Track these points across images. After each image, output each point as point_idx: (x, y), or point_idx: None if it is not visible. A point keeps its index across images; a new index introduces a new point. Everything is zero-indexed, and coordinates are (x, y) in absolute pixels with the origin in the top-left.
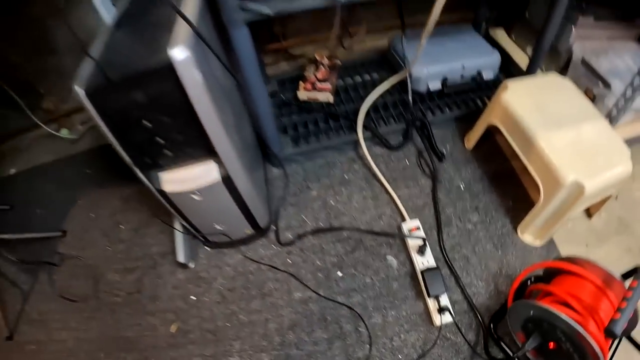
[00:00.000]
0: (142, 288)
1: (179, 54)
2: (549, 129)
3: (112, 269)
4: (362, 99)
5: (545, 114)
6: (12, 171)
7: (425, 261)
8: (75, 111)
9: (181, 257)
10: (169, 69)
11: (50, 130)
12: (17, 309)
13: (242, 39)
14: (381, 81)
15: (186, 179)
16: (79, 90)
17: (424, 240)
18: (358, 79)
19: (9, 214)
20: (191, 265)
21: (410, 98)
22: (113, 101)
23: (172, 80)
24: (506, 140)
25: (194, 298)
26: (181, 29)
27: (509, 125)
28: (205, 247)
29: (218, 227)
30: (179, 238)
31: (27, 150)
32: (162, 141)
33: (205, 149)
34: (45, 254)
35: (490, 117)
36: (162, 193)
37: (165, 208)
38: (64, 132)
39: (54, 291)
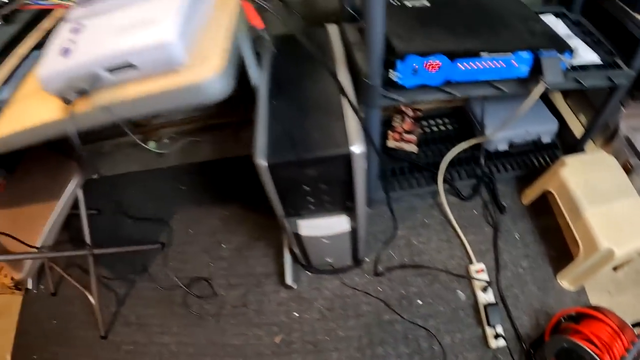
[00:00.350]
0: (247, 302)
1: (357, 149)
2: (593, 203)
3: (215, 284)
4: (440, 151)
5: (592, 188)
6: (95, 175)
7: (486, 297)
8: (163, 126)
9: (289, 280)
10: (345, 158)
11: (137, 140)
12: (112, 311)
13: (374, 116)
14: (457, 134)
15: (320, 227)
16: (262, 164)
17: (487, 282)
18: (435, 129)
19: (97, 218)
20: (294, 286)
21: (482, 159)
22: (288, 173)
23: (345, 165)
24: (557, 202)
25: (297, 314)
26: (352, 124)
27: (562, 194)
28: (307, 272)
29: (328, 259)
30: (288, 264)
31: (110, 156)
32: (311, 199)
33: (343, 207)
34: (139, 262)
35: (548, 185)
36: (297, 235)
37: (270, 236)
38: (152, 145)
39: (156, 297)
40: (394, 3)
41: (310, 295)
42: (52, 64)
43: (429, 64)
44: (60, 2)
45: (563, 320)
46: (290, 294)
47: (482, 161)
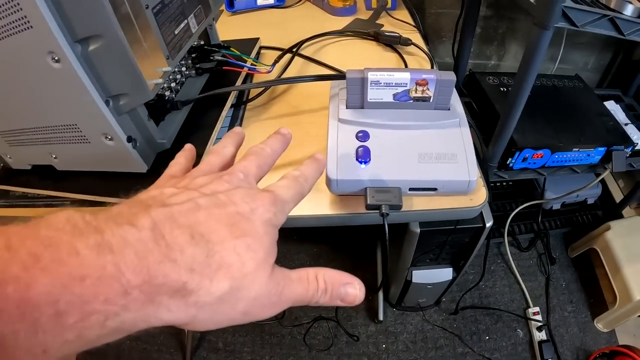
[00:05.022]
0: (338, 334)
1: (489, 223)
2: (631, 262)
3: (306, 315)
4: (504, 207)
5: (630, 249)
6: None
7: (541, 335)
8: None
9: (381, 316)
10: (480, 230)
11: None
12: (197, 336)
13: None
14: (518, 193)
15: (430, 276)
16: (415, 231)
17: (541, 325)
18: (499, 185)
19: None
20: (381, 319)
21: (539, 219)
22: (431, 238)
23: (476, 234)
24: (599, 258)
25: (384, 346)
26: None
27: (606, 252)
28: (394, 308)
29: (420, 300)
30: (381, 302)
31: None
32: (432, 255)
33: (450, 261)
34: None
35: (593, 243)
36: (407, 282)
37: (358, 275)
38: None
39: (245, 324)
40: (502, 90)
41: (396, 329)
42: (351, 170)
43: (536, 154)
44: (264, 66)
45: (598, 357)
46: (378, 328)
47: (539, 220)
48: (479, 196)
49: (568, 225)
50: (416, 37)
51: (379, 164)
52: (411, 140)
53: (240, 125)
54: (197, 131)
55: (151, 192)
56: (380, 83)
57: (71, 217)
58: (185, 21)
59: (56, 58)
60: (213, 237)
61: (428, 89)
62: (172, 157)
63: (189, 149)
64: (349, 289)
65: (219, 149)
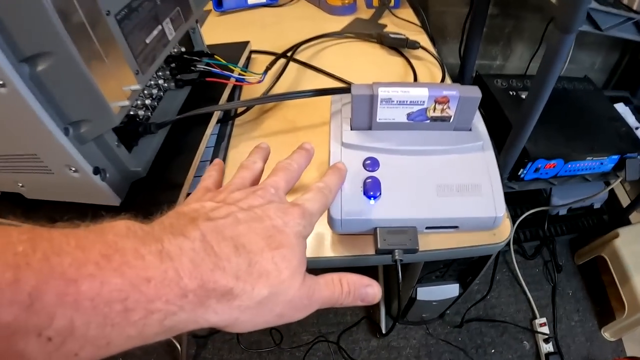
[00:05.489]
0: (337, 350)
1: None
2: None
3: (306, 331)
4: (509, 214)
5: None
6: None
7: (548, 347)
8: None
9: (384, 329)
10: (495, 248)
11: None
12: (192, 353)
13: None
14: (523, 199)
15: (436, 293)
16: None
17: (547, 336)
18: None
19: None
20: (384, 332)
21: (546, 225)
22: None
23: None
24: (607, 265)
25: None
26: None
27: (614, 260)
28: (397, 323)
29: (424, 315)
30: (383, 316)
31: None
32: (439, 273)
33: (456, 277)
34: None
35: (601, 250)
36: (412, 299)
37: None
38: None
39: (242, 341)
40: (511, 94)
41: (399, 344)
42: (359, 207)
43: (549, 165)
44: (254, 75)
45: None
46: (380, 343)
47: (545, 227)
48: (503, 230)
49: (574, 231)
50: (423, 39)
51: (391, 198)
52: (428, 168)
53: (227, 144)
54: (179, 154)
55: (192, 204)
56: (393, 101)
57: (132, 226)
58: (160, 27)
59: (0, 82)
60: (253, 248)
61: (449, 108)
62: (149, 187)
63: (217, 162)
64: (368, 289)
65: (249, 165)
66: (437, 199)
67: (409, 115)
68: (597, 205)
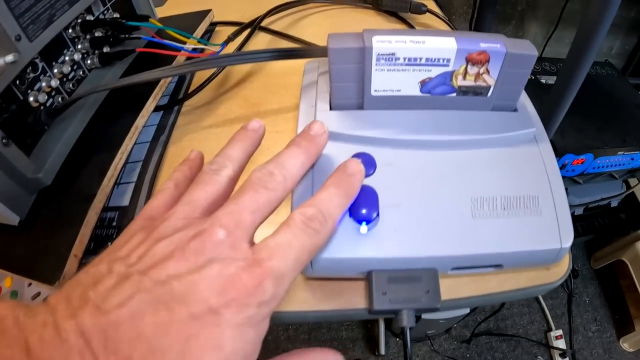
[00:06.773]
0: None
1: None
2: None
3: (296, 348)
4: None
5: None
6: None
7: None
8: None
9: (382, 350)
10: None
11: None
12: None
13: None
14: None
15: (441, 312)
16: None
17: (563, 350)
18: None
19: None
20: (382, 353)
21: None
22: None
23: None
24: (628, 270)
25: None
26: None
27: (636, 264)
28: (397, 338)
29: (429, 332)
30: (382, 334)
31: None
32: None
33: None
34: None
35: (621, 254)
36: (417, 317)
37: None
38: None
39: None
40: (530, 78)
41: None
42: (343, 237)
43: (577, 160)
44: (207, 47)
45: None
46: None
47: None
48: (562, 265)
49: (591, 232)
50: (429, 3)
51: (395, 222)
52: (455, 171)
53: (168, 138)
54: (98, 152)
55: (90, 270)
56: (398, 59)
57: (14, 310)
58: None
59: None
60: None
61: (487, 72)
62: (58, 199)
63: (194, 157)
64: None
65: (210, 174)
66: (471, 222)
67: (423, 84)
68: (614, 204)
